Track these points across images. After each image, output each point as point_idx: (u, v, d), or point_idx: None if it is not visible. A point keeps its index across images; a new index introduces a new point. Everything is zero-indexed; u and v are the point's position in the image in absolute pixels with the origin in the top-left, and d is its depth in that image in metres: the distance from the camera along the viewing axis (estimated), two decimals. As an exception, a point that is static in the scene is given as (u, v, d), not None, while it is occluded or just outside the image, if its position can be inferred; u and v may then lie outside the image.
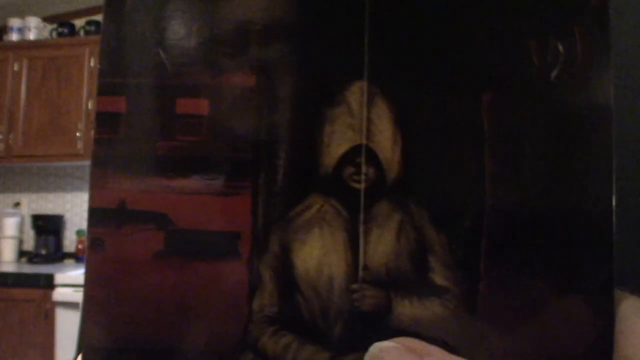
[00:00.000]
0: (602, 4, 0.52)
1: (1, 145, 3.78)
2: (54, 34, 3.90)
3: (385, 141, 0.49)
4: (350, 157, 0.49)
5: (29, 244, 3.91)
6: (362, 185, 0.48)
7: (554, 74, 0.51)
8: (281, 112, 0.50)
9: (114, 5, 0.52)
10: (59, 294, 3.10)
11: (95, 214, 0.51)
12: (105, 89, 0.54)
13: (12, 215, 3.79)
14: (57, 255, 3.75)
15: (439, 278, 0.51)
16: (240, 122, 0.50)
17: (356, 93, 0.49)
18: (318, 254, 0.50)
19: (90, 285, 0.51)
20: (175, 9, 0.50)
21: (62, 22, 3.93)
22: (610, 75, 0.51)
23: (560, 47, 0.51)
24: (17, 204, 3.99)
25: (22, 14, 3.89)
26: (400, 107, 0.49)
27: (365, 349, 0.47)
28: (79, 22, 3.87)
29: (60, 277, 3.15)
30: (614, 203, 0.51)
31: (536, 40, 0.51)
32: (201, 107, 0.50)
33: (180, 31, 0.51)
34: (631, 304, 0.49)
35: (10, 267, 3.57)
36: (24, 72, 3.83)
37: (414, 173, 0.48)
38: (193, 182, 0.49)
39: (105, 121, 0.53)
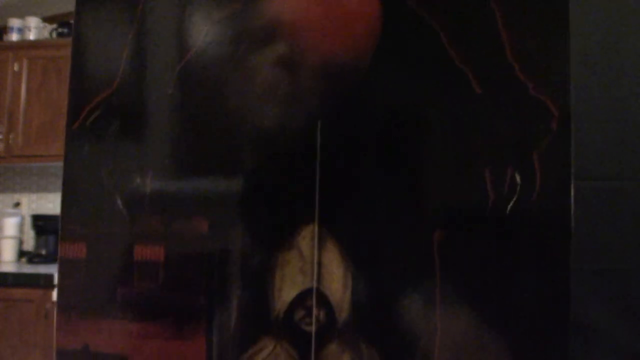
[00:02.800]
0: (563, 127, 0.52)
1: (1, 145, 3.78)
2: (54, 34, 3.90)
3: (336, 284, 0.51)
4: (301, 300, 0.51)
5: (29, 244, 3.93)
6: (313, 329, 0.50)
7: (509, 206, 0.51)
8: (233, 258, 0.52)
9: (73, 152, 0.54)
10: (59, 295, 3.11)
11: (61, 357, 0.54)
12: (67, 235, 0.56)
13: (12, 215, 3.80)
14: (57, 256, 3.76)
15: None
16: (194, 268, 0.52)
17: (307, 237, 0.51)
18: (271, 397, 0.52)
19: None
20: (127, 157, 0.52)
21: (62, 22, 3.92)
22: (569, 202, 0.50)
23: (518, 177, 0.52)
24: (17, 204, 4.01)
25: (22, 14, 3.88)
26: (350, 250, 0.51)
27: None
28: (78, 24, 3.84)
29: (59, 279, 3.15)
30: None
31: (492, 171, 0.51)
32: (157, 253, 0.52)
33: (136, 180, 0.53)
34: None
35: (10, 267, 3.58)
36: (24, 72, 3.82)
37: (365, 314, 0.50)
38: (151, 327, 0.51)
39: (68, 267, 0.55)
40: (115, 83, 0.52)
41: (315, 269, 0.46)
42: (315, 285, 0.45)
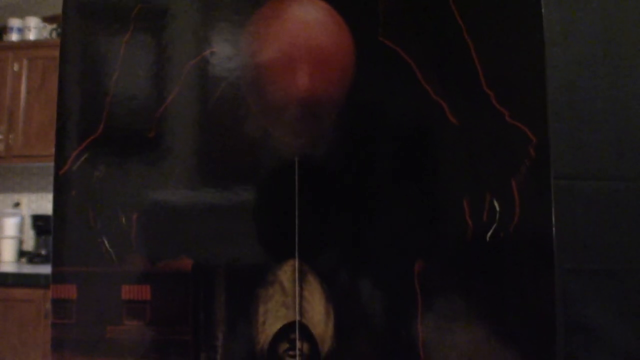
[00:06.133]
0: (542, 153, 0.54)
1: (1, 145, 3.80)
2: (54, 34, 3.90)
3: (318, 316, 0.52)
4: (284, 333, 0.52)
5: (29, 244, 3.95)
6: (297, 362, 0.51)
7: (489, 233, 0.53)
8: (217, 294, 0.53)
9: (61, 196, 0.56)
10: (59, 296, 3.13)
11: (56, 393, 0.56)
12: (57, 278, 0.58)
13: (12, 215, 3.83)
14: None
15: None
16: (180, 305, 0.54)
17: (288, 272, 0.53)
18: None
19: None
20: (112, 198, 0.54)
21: (61, 22, 3.92)
22: (550, 225, 0.51)
23: (497, 205, 0.53)
24: (17, 204, 4.02)
25: (22, 14, 3.89)
26: (330, 283, 0.52)
27: None
28: (76, 24, 3.85)
29: (59, 281, 3.17)
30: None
31: (471, 200, 0.53)
32: (144, 293, 0.54)
33: (121, 220, 0.55)
34: None
35: (10, 267, 3.61)
36: (24, 72, 3.83)
37: (347, 346, 0.51)
38: (140, 365, 0.53)
39: (59, 307, 0.57)
40: (101, 127, 0.54)
41: (298, 303, 0.47)
42: (298, 318, 0.47)
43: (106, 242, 0.49)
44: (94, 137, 0.53)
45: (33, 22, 3.88)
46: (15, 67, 3.79)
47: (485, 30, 0.57)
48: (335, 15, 0.54)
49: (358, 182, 0.50)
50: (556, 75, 0.82)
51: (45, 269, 3.47)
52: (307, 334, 0.48)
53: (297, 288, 0.48)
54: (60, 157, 0.51)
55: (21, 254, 3.88)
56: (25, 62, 3.83)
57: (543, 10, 0.57)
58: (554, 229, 0.49)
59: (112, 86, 0.53)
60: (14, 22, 3.85)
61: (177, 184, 0.50)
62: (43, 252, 3.78)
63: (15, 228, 3.84)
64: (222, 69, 0.54)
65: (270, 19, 0.54)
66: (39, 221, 3.89)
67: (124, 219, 0.50)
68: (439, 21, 0.56)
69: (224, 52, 0.54)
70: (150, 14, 0.54)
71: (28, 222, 3.97)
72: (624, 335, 0.81)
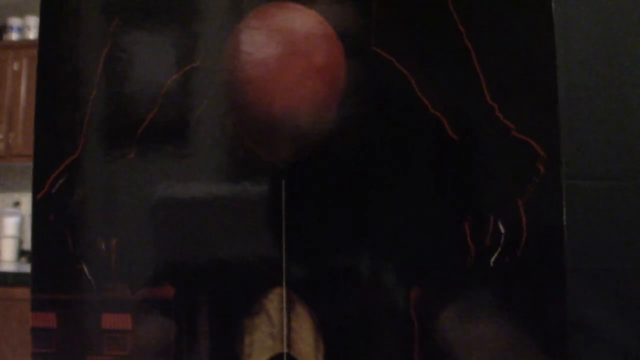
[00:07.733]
0: (553, 170, 0.50)
1: (1, 144, 3.80)
2: (53, 33, 3.88)
3: (307, 348, 0.49)
4: None
5: (29, 244, 3.93)
6: (285, 395, 0.49)
7: (493, 258, 0.49)
8: (201, 324, 0.51)
9: (39, 220, 0.54)
10: (58, 297, 3.12)
11: None
12: (36, 305, 0.55)
13: (12, 214, 3.82)
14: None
15: None
16: (162, 335, 0.52)
17: (275, 300, 0.50)
18: None
19: None
20: (92, 222, 0.52)
21: (61, 21, 3.91)
22: (562, 248, 0.48)
23: (501, 227, 0.49)
24: (17, 204, 4.02)
25: (22, 14, 3.89)
26: (320, 312, 0.49)
27: None
28: (77, 23, 3.85)
29: (58, 282, 3.16)
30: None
31: (472, 222, 0.49)
32: (125, 322, 0.52)
33: (100, 246, 0.52)
34: None
35: (10, 266, 3.61)
36: (24, 71, 3.83)
37: (338, 378, 0.49)
38: (121, 396, 0.50)
39: (39, 336, 0.55)
40: (79, 148, 0.51)
41: (285, 334, 0.45)
42: (285, 350, 0.44)
43: (86, 269, 0.46)
44: (73, 159, 0.50)
45: (33, 21, 3.88)
46: (15, 67, 3.78)
47: (489, 33, 0.53)
48: (324, 23, 0.52)
49: (349, 205, 0.47)
50: (557, 75, 0.80)
51: (45, 270, 3.43)
52: None
53: (284, 318, 0.45)
54: (38, 181, 0.48)
55: (21, 253, 3.87)
56: (25, 61, 3.83)
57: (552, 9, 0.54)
58: (565, 255, 0.46)
59: (90, 105, 0.51)
60: (14, 22, 3.86)
61: (157, 208, 0.47)
62: (43, 251, 3.74)
63: (15, 228, 3.84)
64: (204, 85, 0.51)
65: (254, 31, 0.51)
66: (39, 221, 3.85)
67: (103, 245, 0.47)
68: (437, 26, 0.52)
69: (206, 68, 0.52)
70: (129, 28, 0.52)
71: (28, 221, 3.95)
72: (624, 335, 0.79)
